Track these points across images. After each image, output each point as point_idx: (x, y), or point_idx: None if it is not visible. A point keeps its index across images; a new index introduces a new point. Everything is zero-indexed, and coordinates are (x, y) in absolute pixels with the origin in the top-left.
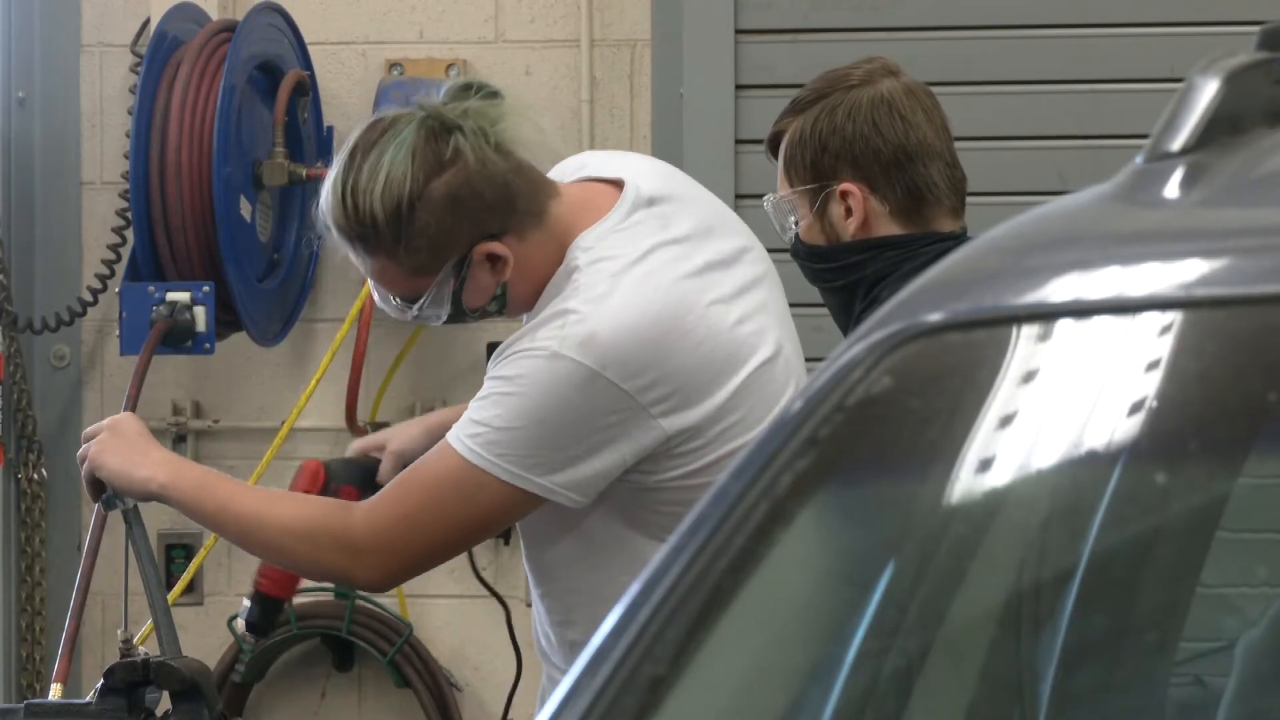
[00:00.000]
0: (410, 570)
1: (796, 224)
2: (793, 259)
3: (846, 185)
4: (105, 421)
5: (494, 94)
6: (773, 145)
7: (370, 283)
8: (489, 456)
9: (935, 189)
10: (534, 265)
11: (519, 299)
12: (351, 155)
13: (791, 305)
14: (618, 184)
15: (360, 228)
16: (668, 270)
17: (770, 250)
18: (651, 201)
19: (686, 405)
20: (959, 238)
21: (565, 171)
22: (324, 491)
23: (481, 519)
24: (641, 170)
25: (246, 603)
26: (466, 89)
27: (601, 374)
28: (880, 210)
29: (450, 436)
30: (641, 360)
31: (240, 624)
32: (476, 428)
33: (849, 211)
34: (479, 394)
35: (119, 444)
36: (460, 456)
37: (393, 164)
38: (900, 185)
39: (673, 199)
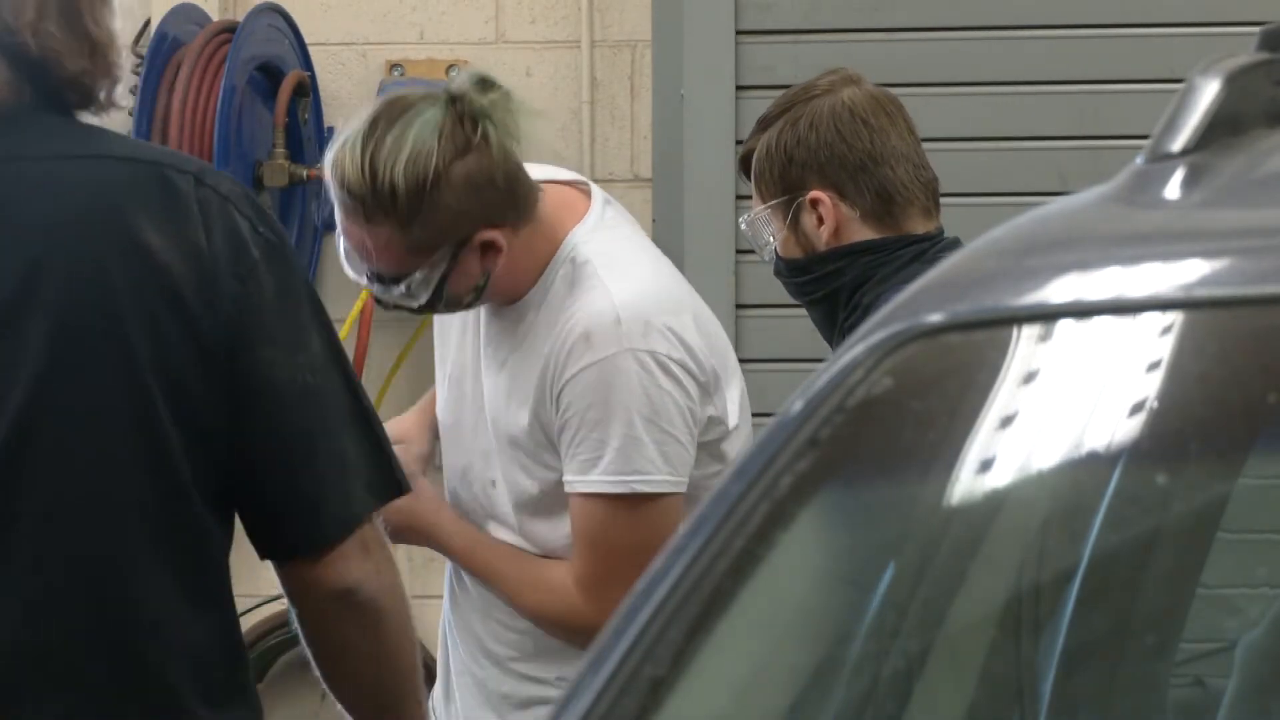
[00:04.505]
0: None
1: (773, 239)
2: (776, 278)
3: (815, 193)
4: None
5: (508, 92)
6: (744, 166)
7: (351, 256)
8: (643, 477)
9: (905, 190)
10: (520, 258)
11: (498, 290)
12: (373, 124)
13: (789, 306)
14: (576, 186)
15: (377, 196)
16: (663, 261)
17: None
18: (608, 202)
19: (711, 390)
20: (934, 239)
21: None
22: None
23: (669, 531)
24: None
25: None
26: (485, 83)
27: (669, 355)
28: (851, 215)
29: (592, 484)
30: (684, 336)
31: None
32: (608, 458)
33: (821, 220)
34: (571, 430)
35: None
36: (623, 495)
37: (419, 139)
38: (869, 189)
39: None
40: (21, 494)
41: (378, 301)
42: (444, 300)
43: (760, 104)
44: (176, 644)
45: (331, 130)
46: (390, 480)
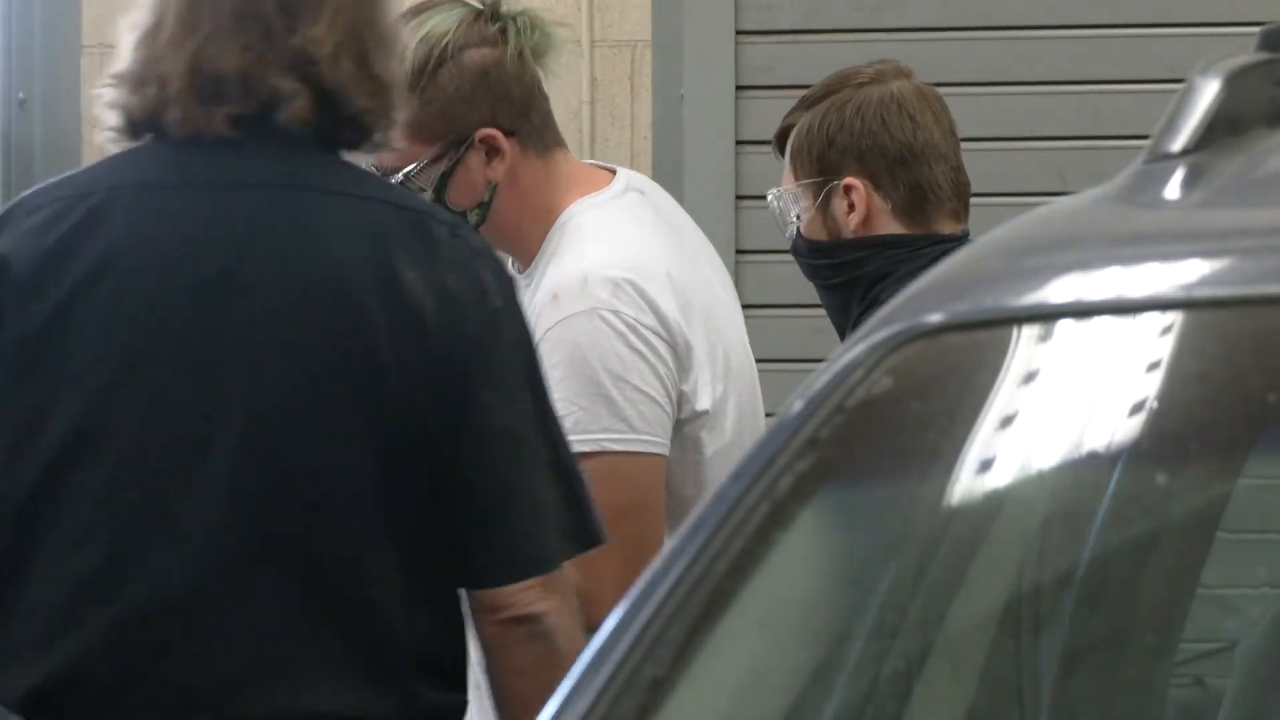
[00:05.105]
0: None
1: (799, 218)
2: (792, 256)
3: (850, 180)
4: None
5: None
6: (780, 141)
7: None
8: (614, 435)
9: (939, 190)
10: (524, 191)
11: (500, 227)
12: (401, 17)
13: (789, 306)
14: (606, 168)
15: None
16: (666, 241)
17: (780, 251)
18: (643, 192)
19: (686, 364)
20: (960, 240)
21: None
22: None
23: (651, 501)
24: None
25: None
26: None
27: (638, 319)
28: (882, 208)
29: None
30: (656, 302)
31: None
32: (576, 417)
33: (851, 207)
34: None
35: None
36: (595, 454)
37: (437, 24)
38: (904, 184)
39: (664, 202)
40: (276, 503)
41: None
42: (447, 209)
43: (760, 104)
44: (409, 634)
45: None
46: (588, 530)
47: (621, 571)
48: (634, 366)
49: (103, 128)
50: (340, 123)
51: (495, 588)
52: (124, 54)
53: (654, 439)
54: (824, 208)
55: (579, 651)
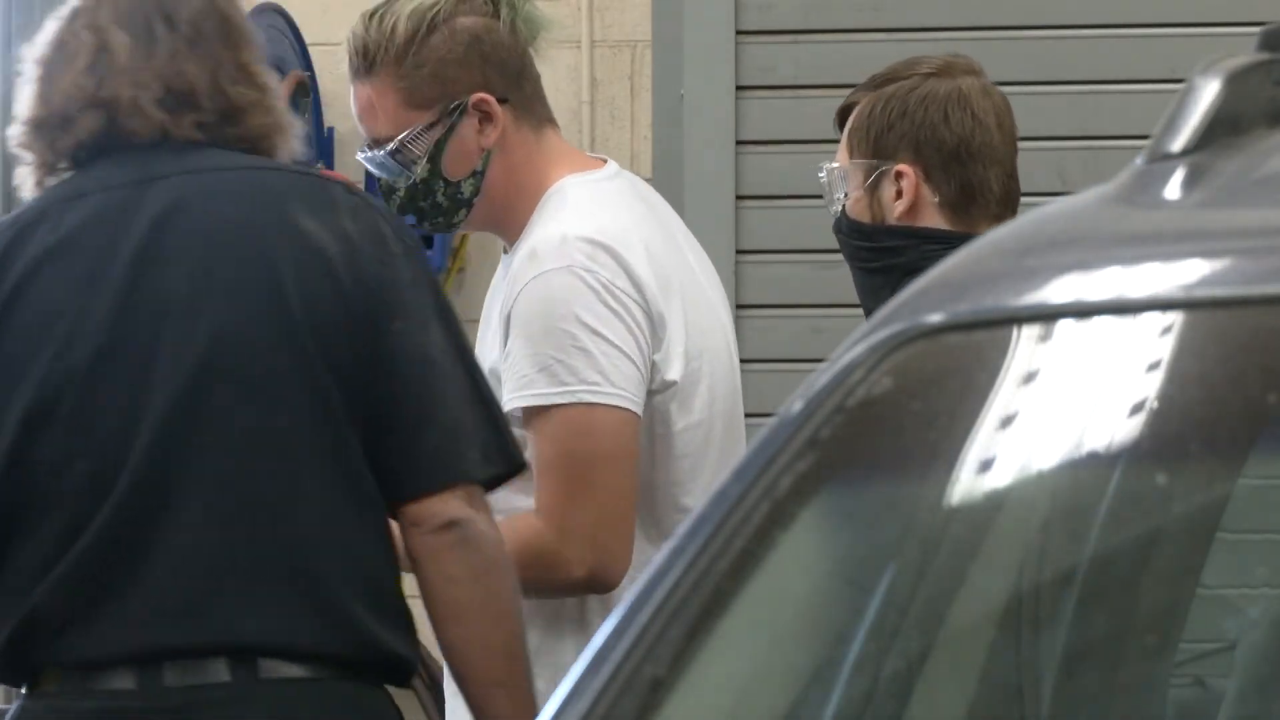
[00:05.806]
0: (610, 546)
1: (845, 196)
2: (833, 233)
3: (903, 167)
4: None
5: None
6: (841, 117)
7: (362, 141)
8: (589, 387)
9: (988, 193)
10: (516, 163)
11: (495, 200)
12: None
13: (789, 306)
14: (597, 156)
15: (379, 38)
16: (649, 222)
17: (780, 251)
18: (628, 178)
19: (660, 333)
20: None
21: None
22: None
23: (625, 454)
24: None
25: None
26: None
27: (614, 282)
28: (930, 200)
29: (538, 397)
30: (633, 269)
31: None
32: (552, 369)
33: (899, 194)
34: (518, 347)
35: None
36: (570, 405)
37: None
38: (955, 180)
39: (653, 197)
40: (203, 438)
41: (383, 193)
42: (443, 181)
43: (760, 104)
44: (345, 560)
45: (332, 130)
46: (507, 455)
47: (597, 522)
48: (609, 323)
49: (24, 164)
50: (261, 131)
51: (420, 496)
52: (44, 91)
53: (629, 395)
54: (872, 190)
55: (508, 566)
